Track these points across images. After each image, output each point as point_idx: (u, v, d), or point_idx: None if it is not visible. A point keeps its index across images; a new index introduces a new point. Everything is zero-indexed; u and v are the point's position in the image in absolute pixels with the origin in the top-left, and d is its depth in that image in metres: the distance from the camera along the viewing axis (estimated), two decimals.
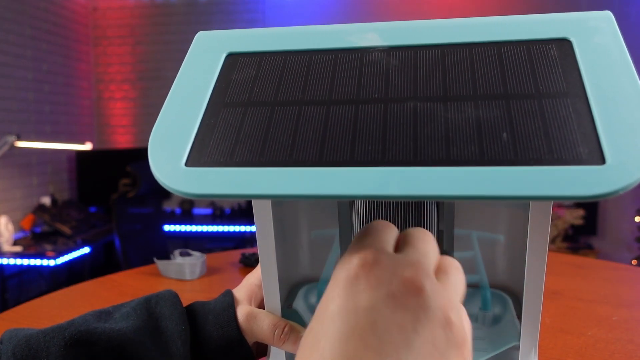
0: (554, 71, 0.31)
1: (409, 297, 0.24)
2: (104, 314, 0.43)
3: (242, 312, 0.44)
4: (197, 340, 0.43)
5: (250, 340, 0.44)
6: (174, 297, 0.44)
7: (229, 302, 0.44)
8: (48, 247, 2.63)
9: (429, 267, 0.27)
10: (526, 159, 0.27)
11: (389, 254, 0.27)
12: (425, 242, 0.28)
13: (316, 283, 0.52)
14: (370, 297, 0.24)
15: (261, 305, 0.46)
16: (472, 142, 0.28)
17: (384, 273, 0.25)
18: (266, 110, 0.33)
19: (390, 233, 0.29)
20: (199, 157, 0.31)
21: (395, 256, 0.27)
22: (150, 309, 0.43)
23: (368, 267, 0.25)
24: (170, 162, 0.31)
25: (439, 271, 0.27)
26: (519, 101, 0.30)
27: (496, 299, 0.50)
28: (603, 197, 0.25)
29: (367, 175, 0.28)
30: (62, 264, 2.58)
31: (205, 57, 0.38)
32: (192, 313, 0.44)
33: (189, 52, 0.39)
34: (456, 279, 0.27)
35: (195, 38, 0.40)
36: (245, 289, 0.47)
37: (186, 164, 0.31)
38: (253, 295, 0.46)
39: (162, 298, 0.44)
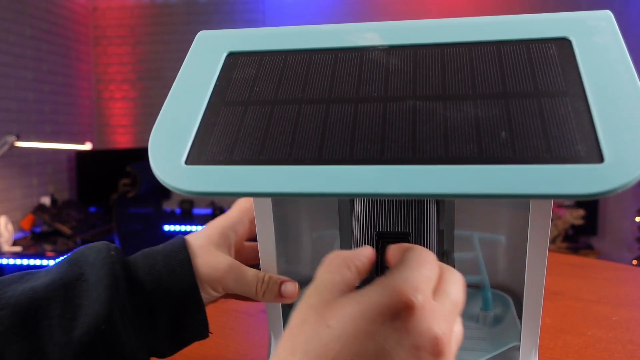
0: (553, 70, 0.31)
1: (430, 356, 0.25)
2: (29, 275, 0.41)
3: (215, 261, 0.42)
4: (137, 286, 0.41)
5: (212, 289, 0.42)
6: (103, 245, 0.42)
7: (180, 244, 0.43)
8: (48, 247, 2.62)
9: (456, 321, 0.28)
10: (525, 158, 0.27)
11: (432, 301, 0.27)
12: (459, 285, 0.30)
13: None
14: (397, 342, 0.25)
15: (242, 250, 0.45)
16: (471, 141, 0.28)
17: (420, 323, 0.26)
18: (266, 108, 0.33)
19: (432, 269, 0.29)
20: (199, 155, 0.31)
21: (435, 306, 0.27)
22: (74, 260, 0.41)
23: (410, 311, 0.26)
24: (170, 160, 0.31)
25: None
26: (518, 100, 0.30)
27: (497, 299, 0.50)
28: (601, 196, 0.25)
29: (366, 173, 0.28)
30: None
31: (206, 56, 0.38)
32: (137, 258, 0.43)
33: (189, 51, 0.39)
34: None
35: (196, 37, 0.40)
36: (216, 234, 0.44)
37: (186, 162, 0.31)
38: (228, 239, 0.44)
39: (91, 247, 0.42)
